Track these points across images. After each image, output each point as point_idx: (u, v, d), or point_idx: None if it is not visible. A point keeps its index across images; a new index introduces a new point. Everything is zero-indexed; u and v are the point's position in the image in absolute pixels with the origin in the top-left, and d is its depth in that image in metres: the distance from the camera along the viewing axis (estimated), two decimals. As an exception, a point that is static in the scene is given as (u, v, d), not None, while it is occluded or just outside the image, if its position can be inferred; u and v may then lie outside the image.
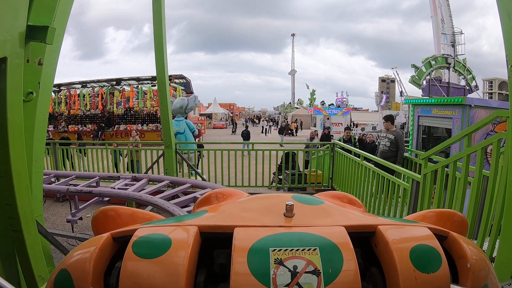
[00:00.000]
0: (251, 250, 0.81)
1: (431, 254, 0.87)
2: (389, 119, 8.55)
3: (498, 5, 2.75)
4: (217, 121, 50.05)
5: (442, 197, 3.98)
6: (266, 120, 49.78)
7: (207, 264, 0.90)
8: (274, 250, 0.81)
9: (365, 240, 0.97)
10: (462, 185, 3.51)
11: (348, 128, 11.58)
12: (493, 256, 3.09)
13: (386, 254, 0.88)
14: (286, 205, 0.98)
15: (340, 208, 1.16)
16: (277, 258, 0.79)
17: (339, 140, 10.22)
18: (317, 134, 18.42)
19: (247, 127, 23.72)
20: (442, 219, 1.18)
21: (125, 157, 10.01)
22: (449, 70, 19.11)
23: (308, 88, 50.49)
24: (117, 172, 9.50)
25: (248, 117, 68.19)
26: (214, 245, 0.91)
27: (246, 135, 21.26)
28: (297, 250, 0.81)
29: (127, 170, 9.75)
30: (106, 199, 5.79)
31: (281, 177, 9.10)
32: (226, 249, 0.85)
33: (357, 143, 10.96)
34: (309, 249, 0.81)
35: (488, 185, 3.27)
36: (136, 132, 11.76)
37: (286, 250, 0.81)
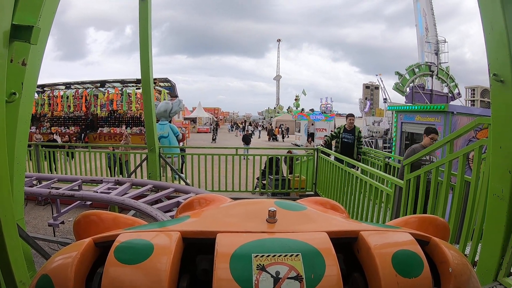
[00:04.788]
0: (233, 256, 0.81)
1: (413, 259, 0.89)
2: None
3: (482, 17, 2.83)
4: (202, 126, 49.79)
5: (426, 202, 4.02)
6: (250, 125, 49.76)
7: (190, 270, 0.90)
8: (257, 256, 0.81)
9: (347, 246, 0.98)
10: (444, 191, 3.56)
11: (351, 115, 8.76)
12: (475, 260, 3.14)
13: (368, 260, 0.89)
14: (269, 211, 1.00)
15: (323, 214, 1.18)
16: (260, 264, 0.80)
17: (339, 129, 8.69)
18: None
19: (247, 131, 23.58)
20: (424, 224, 1.20)
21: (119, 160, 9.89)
22: (432, 78, 19.42)
23: (305, 95, 50.81)
24: (111, 176, 9.38)
25: (233, 121, 67.88)
26: (197, 250, 0.91)
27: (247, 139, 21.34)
28: (280, 256, 0.82)
29: (115, 174, 9.64)
30: (89, 203, 5.71)
31: (264, 182, 9.09)
32: (209, 255, 0.86)
33: (361, 139, 8.76)
34: (291, 255, 0.82)
35: (469, 190, 3.33)
36: (126, 137, 11.38)
37: (268, 256, 0.81)
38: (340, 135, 8.46)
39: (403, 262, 0.87)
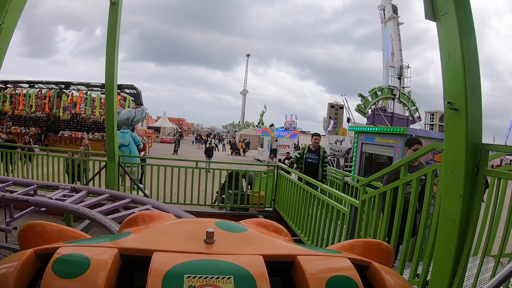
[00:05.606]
0: (166, 276, 0.83)
1: (348, 285, 0.91)
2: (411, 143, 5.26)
3: (440, 45, 2.94)
4: (165, 135, 48.99)
5: (380, 222, 4.11)
6: (214, 138, 49.45)
7: (128, 287, 0.92)
8: (189, 277, 0.83)
9: (287, 269, 1.01)
10: (398, 211, 3.64)
11: (317, 134, 8.47)
12: (427, 279, 3.23)
13: (303, 285, 0.92)
14: (207, 232, 1.01)
15: (263, 236, 1.20)
16: (191, 285, 0.81)
17: (303, 149, 8.26)
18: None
19: (210, 144, 23.44)
20: (369, 248, 1.23)
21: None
22: (394, 101, 20.08)
23: (265, 110, 51.16)
24: (69, 182, 9.05)
25: (197, 133, 67.23)
26: (140, 268, 0.92)
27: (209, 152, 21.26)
28: (212, 278, 0.84)
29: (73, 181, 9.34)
30: (43, 209, 5.50)
31: (224, 196, 9.05)
32: (147, 273, 0.87)
33: (326, 159, 8.21)
34: (223, 278, 0.84)
35: (422, 212, 3.43)
36: (87, 142, 10.90)
37: (200, 277, 0.83)
38: (304, 155, 8.06)
39: (338, 287, 0.90)
